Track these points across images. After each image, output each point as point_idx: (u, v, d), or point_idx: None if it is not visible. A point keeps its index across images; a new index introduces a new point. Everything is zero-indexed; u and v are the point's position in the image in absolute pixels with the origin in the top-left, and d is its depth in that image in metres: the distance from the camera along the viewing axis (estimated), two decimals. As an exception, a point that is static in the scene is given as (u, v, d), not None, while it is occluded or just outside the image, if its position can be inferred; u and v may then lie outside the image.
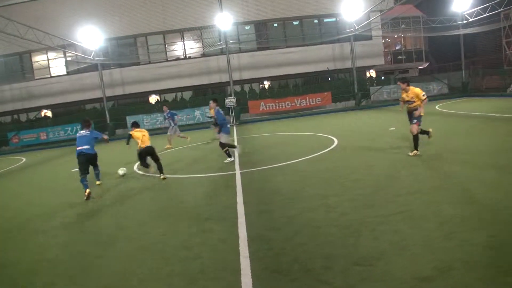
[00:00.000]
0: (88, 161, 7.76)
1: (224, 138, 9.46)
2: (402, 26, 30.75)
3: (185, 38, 27.04)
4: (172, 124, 14.28)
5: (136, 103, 27.00)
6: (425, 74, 33.45)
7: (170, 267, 3.80)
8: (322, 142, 11.00)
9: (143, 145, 8.37)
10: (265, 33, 27.21)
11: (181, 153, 12.73)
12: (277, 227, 4.55)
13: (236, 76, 25.53)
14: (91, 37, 22.56)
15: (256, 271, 3.44)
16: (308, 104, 24.88)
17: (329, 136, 12.01)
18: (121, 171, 9.28)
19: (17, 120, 28.33)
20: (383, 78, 30.55)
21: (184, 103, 25.61)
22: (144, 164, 8.68)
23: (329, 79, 29.50)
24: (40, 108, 28.01)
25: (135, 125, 9.03)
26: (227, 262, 3.74)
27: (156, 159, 8.33)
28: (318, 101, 24.83)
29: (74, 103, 27.31)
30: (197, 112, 24.28)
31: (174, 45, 27.20)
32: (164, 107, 15.26)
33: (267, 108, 24.61)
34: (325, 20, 27.93)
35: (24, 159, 18.22)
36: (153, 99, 26.88)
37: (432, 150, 8.00)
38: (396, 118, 15.56)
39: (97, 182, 8.60)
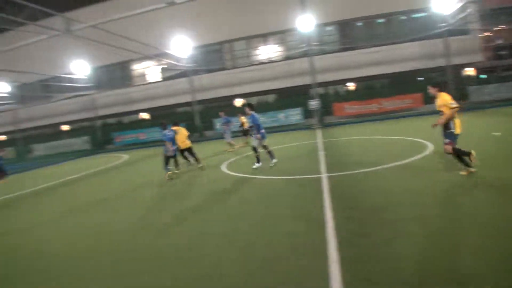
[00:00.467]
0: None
1: (257, 142, 9.77)
2: (504, 17, 27.74)
3: (267, 42, 27.72)
4: (225, 129, 15.34)
5: (222, 106, 28.37)
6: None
7: (253, 265, 3.93)
8: (414, 147, 10.30)
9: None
10: (348, 33, 26.67)
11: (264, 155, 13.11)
12: (367, 233, 4.42)
13: (320, 78, 25.41)
14: (182, 46, 24.38)
15: (347, 277, 3.39)
16: (396, 106, 23.78)
17: (422, 141, 11.22)
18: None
19: (119, 122, 31.70)
20: (482, 76, 27.87)
21: (268, 106, 26.28)
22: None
23: (419, 79, 27.80)
24: (138, 112, 31.03)
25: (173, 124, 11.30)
26: (315, 265, 3.72)
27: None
28: (408, 103, 23.57)
29: (168, 106, 29.75)
30: (281, 115, 24.72)
31: (258, 49, 28.03)
32: (220, 113, 16.06)
33: (353, 111, 24.08)
34: (414, 15, 26.41)
35: (126, 156, 20.42)
36: (238, 102, 28.06)
37: None
38: (500, 121, 14.21)
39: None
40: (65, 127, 34.07)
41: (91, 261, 4.81)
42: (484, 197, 5.30)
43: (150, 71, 30.39)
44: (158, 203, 7.82)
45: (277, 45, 27.94)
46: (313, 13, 22.78)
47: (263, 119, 24.83)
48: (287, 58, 26.91)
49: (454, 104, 6.07)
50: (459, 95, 23.79)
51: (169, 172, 10.20)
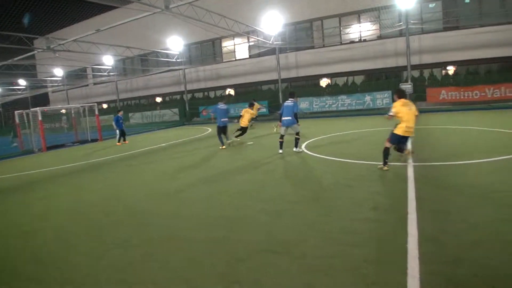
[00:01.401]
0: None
1: (282, 129, 10.31)
2: None
3: (361, 20, 26.32)
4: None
5: (307, 86, 28.05)
6: None
7: (330, 249, 3.86)
8: None
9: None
10: (454, 11, 24.03)
11: (348, 137, 12.70)
12: (454, 232, 4.06)
13: (415, 60, 23.52)
14: (271, 23, 24.32)
15: (426, 274, 3.15)
16: (503, 95, 21.08)
17: None
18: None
19: (207, 96, 33.27)
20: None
21: (354, 87, 25.26)
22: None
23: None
24: (225, 87, 32.17)
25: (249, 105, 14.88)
26: (392, 257, 3.55)
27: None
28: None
29: (253, 83, 30.31)
30: (368, 97, 23.61)
31: (349, 27, 26.82)
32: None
33: (449, 97, 21.97)
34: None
35: (209, 130, 21.51)
36: (323, 82, 27.42)
37: None
38: None
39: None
40: (158, 99, 36.86)
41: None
42: None
43: (238, 48, 31.10)
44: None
45: (370, 23, 26.39)
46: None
47: (349, 101, 24.09)
48: (380, 37, 25.30)
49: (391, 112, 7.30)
50: None
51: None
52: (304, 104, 24.92)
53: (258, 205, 5.72)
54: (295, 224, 4.74)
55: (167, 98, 36.28)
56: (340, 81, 26.67)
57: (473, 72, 23.39)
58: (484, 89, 21.51)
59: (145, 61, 36.17)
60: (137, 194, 7.21)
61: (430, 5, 24.61)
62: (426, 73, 24.27)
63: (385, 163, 7.25)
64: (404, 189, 5.81)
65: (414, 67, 23.33)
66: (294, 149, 10.34)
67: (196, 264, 3.83)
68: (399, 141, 7.33)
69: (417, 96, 22.29)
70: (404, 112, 7.06)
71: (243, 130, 14.16)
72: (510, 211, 4.57)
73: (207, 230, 4.80)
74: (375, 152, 8.73)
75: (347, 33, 26.78)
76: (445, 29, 23.80)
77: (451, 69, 24.27)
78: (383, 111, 22.02)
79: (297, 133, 10.23)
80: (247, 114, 14.32)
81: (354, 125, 15.40)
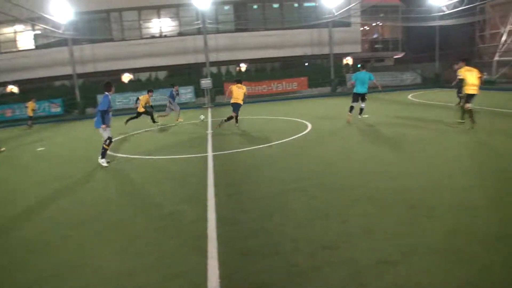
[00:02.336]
0: None
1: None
2: (381, 15, 30.95)
3: (161, 15, 26.21)
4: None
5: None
6: (400, 63, 33.94)
7: (136, 248, 3.72)
8: (296, 127, 11.01)
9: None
10: (244, 15, 26.73)
11: (150, 134, 12.50)
12: (246, 209, 4.52)
13: (213, 57, 25.04)
14: (62, 10, 21.45)
15: (223, 253, 3.39)
16: (284, 88, 24.79)
17: (304, 121, 12.07)
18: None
19: (-20, 94, 26.88)
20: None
21: (158, 83, 24.97)
22: None
23: (306, 64, 29.43)
24: (5, 84, 26.61)
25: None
26: (195, 244, 3.67)
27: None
28: (295, 86, 24.78)
29: (43, 79, 26.09)
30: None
31: (150, 22, 26.33)
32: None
33: (243, 91, 24.36)
34: (305, 4, 27.69)
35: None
36: (126, 77, 26.04)
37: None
38: (368, 105, 15.76)
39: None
40: None
41: None
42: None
43: (22, 37, 26.17)
44: None
45: (170, 19, 26.58)
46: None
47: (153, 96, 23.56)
48: (180, 34, 25.80)
49: None
50: (338, 82, 25.89)
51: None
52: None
53: None
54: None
55: None
56: (143, 76, 25.92)
57: (261, 69, 26.59)
58: (270, 83, 24.68)
59: None
60: None
61: (226, 7, 26.63)
62: (223, 69, 26.20)
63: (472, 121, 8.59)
64: (205, 177, 6.12)
65: (212, 63, 24.80)
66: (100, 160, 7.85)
67: None
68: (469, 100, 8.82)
69: (217, 91, 23.75)
70: (467, 76, 8.77)
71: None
72: (286, 186, 5.34)
73: None
74: (181, 146, 9.25)
75: (148, 28, 26.24)
76: (237, 30, 26.21)
77: (244, 66, 26.95)
78: (192, 105, 22.55)
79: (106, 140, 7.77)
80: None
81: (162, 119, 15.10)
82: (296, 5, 27.65)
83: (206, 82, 22.33)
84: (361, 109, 11.58)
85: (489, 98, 14.72)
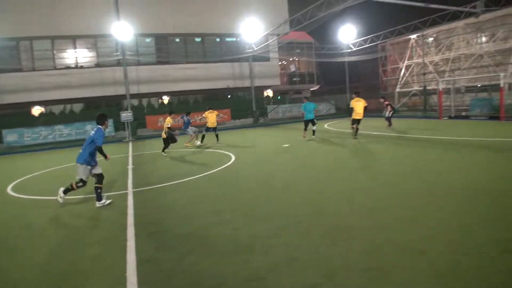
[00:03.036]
0: None
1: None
2: (297, 51, 33.37)
3: (77, 45, 25.18)
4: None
5: (16, 114, 24.00)
6: (316, 95, 36.66)
7: None
8: (219, 159, 11.11)
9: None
10: (165, 47, 26.88)
11: (61, 172, 11.64)
12: (169, 247, 4.40)
13: (134, 89, 24.52)
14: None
15: None
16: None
17: (227, 153, 12.23)
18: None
19: None
20: (279, 97, 32.59)
21: (73, 116, 23.63)
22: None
23: (229, 96, 30.34)
24: None
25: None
26: None
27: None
28: (218, 118, 25.21)
29: None
30: (89, 126, 22.57)
31: (65, 52, 25.10)
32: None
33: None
34: (226, 39, 28.78)
35: None
36: (36, 110, 24.19)
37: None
38: (289, 135, 16.78)
39: None
40: None
41: None
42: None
43: None
44: None
45: (87, 50, 25.63)
46: (131, 22, 21.94)
47: (67, 131, 22.28)
48: (98, 65, 24.95)
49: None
50: (259, 113, 27.06)
51: None
52: (12, 137, 21.13)
53: None
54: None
55: None
56: (57, 109, 24.37)
57: (184, 102, 26.71)
58: (193, 116, 24.74)
59: None
60: None
61: (147, 40, 26.52)
62: (145, 101, 25.79)
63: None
64: (124, 216, 5.83)
65: (133, 96, 24.25)
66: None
67: None
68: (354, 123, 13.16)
69: (138, 124, 23.22)
70: (355, 106, 12.88)
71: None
72: (210, 219, 5.34)
73: None
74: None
75: (62, 58, 24.96)
76: (158, 63, 26.19)
77: (166, 99, 26.84)
78: (111, 139, 21.56)
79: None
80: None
81: (67, 156, 14.25)
82: (217, 39, 28.61)
83: (126, 115, 21.73)
84: (313, 131, 14.42)
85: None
